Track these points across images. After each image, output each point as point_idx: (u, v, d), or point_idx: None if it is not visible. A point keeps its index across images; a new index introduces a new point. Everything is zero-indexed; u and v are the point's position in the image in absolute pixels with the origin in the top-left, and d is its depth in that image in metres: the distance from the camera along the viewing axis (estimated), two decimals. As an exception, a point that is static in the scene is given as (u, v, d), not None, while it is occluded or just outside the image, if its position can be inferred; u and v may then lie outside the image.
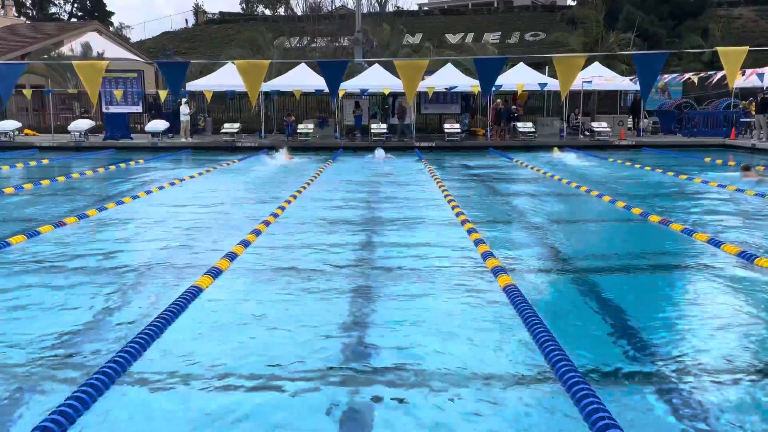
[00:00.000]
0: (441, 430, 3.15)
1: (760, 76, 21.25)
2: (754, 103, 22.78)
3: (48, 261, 6.47)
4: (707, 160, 17.24)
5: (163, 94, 25.34)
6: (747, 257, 6.27)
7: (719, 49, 8.55)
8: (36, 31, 35.98)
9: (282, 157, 18.27)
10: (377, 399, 3.46)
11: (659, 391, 3.54)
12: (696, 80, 22.87)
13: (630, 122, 26.35)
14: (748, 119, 22.97)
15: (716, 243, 6.90)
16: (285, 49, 37.34)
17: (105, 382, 3.48)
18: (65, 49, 30.02)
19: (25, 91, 25.87)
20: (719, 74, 21.75)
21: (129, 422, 3.27)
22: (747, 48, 8.61)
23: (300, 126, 24.61)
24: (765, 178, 12.61)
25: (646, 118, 25.90)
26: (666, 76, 23.97)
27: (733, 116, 23.59)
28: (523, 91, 24.79)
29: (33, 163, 17.18)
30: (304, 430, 3.17)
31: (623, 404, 3.38)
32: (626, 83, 23.58)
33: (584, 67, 17.93)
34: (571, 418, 3.18)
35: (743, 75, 21.16)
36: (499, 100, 25.44)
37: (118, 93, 23.19)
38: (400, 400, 3.44)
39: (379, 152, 18.97)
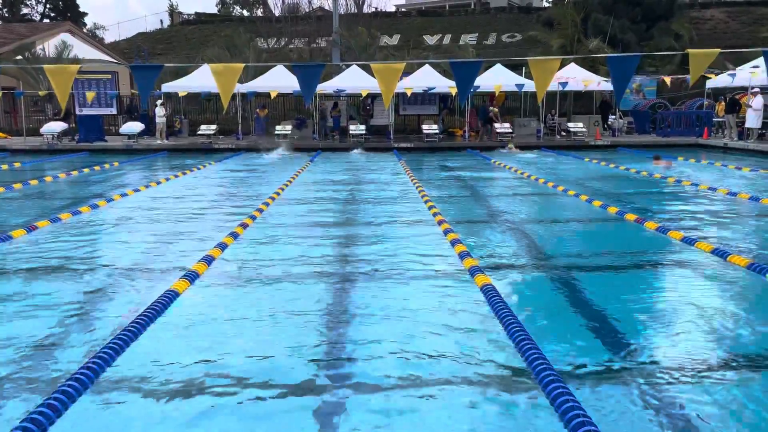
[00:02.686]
0: (418, 429, 3.14)
1: (732, 75, 21.70)
2: (721, 103, 23.22)
3: (20, 266, 6.34)
4: (681, 159, 17.51)
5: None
6: (720, 254, 6.38)
7: (690, 51, 8.70)
8: (7, 32, 35.29)
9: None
10: (353, 401, 3.45)
11: (634, 388, 3.58)
12: (668, 81, 23.24)
13: (604, 122, 26.67)
14: (718, 119, 23.41)
15: (690, 241, 7.01)
16: (262, 51, 37.10)
17: (77, 388, 3.42)
18: (37, 50, 29.47)
19: None
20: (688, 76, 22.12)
21: (100, 430, 3.21)
22: (718, 50, 8.77)
23: (278, 127, 24.44)
24: (671, 166, 15.90)
25: (621, 118, 26.22)
26: (638, 78, 24.32)
27: (705, 116, 24.01)
28: (500, 92, 24.93)
29: (4, 167, 16.85)
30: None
31: (599, 401, 3.41)
32: (601, 84, 23.87)
33: (561, 67, 18.13)
34: (546, 416, 3.20)
35: (715, 75, 21.62)
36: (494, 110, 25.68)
37: (90, 95, 22.81)
38: (377, 401, 3.43)
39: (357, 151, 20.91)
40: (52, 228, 8.24)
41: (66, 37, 31.19)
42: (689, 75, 8.59)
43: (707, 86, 24.25)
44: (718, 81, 22.77)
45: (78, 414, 3.28)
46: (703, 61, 8.13)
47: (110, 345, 3.97)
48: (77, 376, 3.53)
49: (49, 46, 28.83)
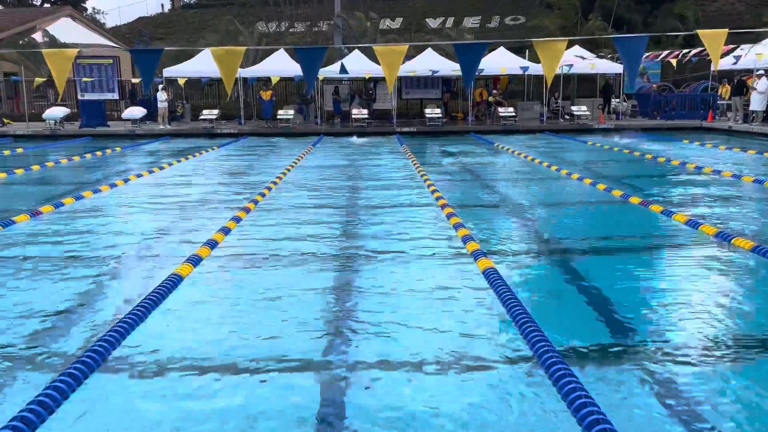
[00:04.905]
0: (422, 412, 3.16)
1: (737, 57, 21.52)
2: (725, 85, 23.04)
3: (24, 250, 6.35)
4: (685, 141, 17.44)
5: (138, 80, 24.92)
6: (724, 237, 6.36)
7: (699, 32, 8.63)
8: (8, 16, 35.12)
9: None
10: (356, 382, 3.46)
11: (638, 370, 3.59)
12: (674, 63, 23.03)
13: (608, 106, 26.50)
14: (723, 101, 23.25)
15: (694, 224, 6.99)
16: (263, 35, 36.89)
17: (84, 371, 3.44)
18: (38, 36, 29.33)
19: None
20: (694, 51, 21.88)
21: (108, 411, 3.23)
22: (726, 30, 8.68)
23: (280, 112, 24.36)
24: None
25: (625, 101, 26.06)
26: (646, 54, 24.03)
27: (710, 99, 23.84)
28: (504, 75, 24.77)
29: (7, 152, 16.85)
30: (284, 416, 3.16)
31: (603, 383, 3.42)
32: (606, 64, 23.69)
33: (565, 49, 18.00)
34: (549, 398, 3.21)
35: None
36: (495, 91, 25.46)
37: (86, 78, 22.72)
38: (381, 383, 3.44)
39: (355, 138, 19.69)
40: (55, 213, 8.25)
41: (67, 21, 31.03)
42: (695, 51, 8.53)
43: (712, 68, 24.04)
44: (722, 63, 22.56)
45: (83, 398, 3.29)
46: (716, 41, 8.05)
47: (116, 328, 3.98)
48: (84, 359, 3.55)
49: (39, 35, 28.66)
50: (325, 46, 12.20)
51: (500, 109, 24.03)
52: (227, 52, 8.81)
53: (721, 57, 21.38)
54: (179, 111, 26.74)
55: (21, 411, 3.00)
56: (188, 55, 25.80)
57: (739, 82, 21.51)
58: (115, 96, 24.60)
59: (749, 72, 21.93)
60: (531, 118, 25.31)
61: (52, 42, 27.68)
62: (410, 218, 7.82)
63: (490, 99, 24.88)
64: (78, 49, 10.17)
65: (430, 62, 23.76)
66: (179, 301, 4.77)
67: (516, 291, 4.66)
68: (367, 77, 23.59)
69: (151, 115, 24.61)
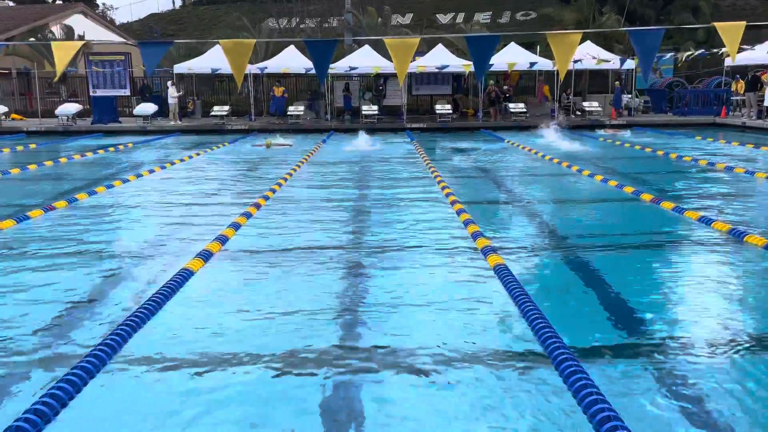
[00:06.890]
0: (431, 408, 3.16)
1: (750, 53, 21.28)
2: (740, 81, 22.80)
3: (38, 245, 6.41)
4: (698, 138, 17.29)
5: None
6: (737, 234, 6.30)
7: (717, 24, 8.53)
8: (21, 13, 35.34)
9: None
10: (367, 377, 3.47)
11: (649, 367, 3.56)
12: (683, 58, 22.83)
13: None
14: (736, 97, 23.01)
15: (707, 221, 6.94)
16: (273, 31, 36.95)
17: (96, 365, 3.47)
18: (56, 29, 29.55)
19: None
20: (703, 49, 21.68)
21: (118, 405, 3.25)
22: (744, 23, 8.56)
23: (290, 108, 24.37)
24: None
25: (637, 97, 25.85)
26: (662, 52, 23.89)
27: (723, 94, 23.60)
28: (514, 71, 24.66)
29: (20, 148, 16.99)
30: (294, 410, 3.17)
31: (613, 380, 3.40)
32: (616, 64, 23.51)
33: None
34: (560, 394, 3.19)
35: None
36: (491, 82, 25.29)
37: (96, 70, 22.84)
38: (390, 378, 3.44)
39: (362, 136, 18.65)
40: (69, 208, 8.32)
41: (78, 18, 31.21)
42: (725, 49, 8.35)
43: (726, 64, 23.80)
44: (737, 59, 22.32)
45: (94, 391, 3.32)
46: (734, 34, 7.95)
47: (126, 323, 4.01)
48: (96, 352, 3.58)
49: (57, 29, 28.85)
50: (336, 39, 12.19)
51: (510, 105, 23.91)
52: (236, 45, 8.80)
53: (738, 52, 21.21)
54: (190, 107, 26.84)
55: (34, 404, 3.02)
56: (198, 52, 25.87)
57: (754, 77, 21.27)
58: (127, 92, 24.73)
59: (763, 67, 21.68)
60: (542, 114, 25.18)
61: (70, 34, 27.85)
62: (420, 214, 7.81)
63: (491, 85, 24.77)
64: (84, 41, 10.18)
65: (441, 58, 23.68)
66: (190, 295, 4.79)
67: (526, 287, 4.65)
68: (376, 72, 23.51)
69: (162, 111, 24.73)
